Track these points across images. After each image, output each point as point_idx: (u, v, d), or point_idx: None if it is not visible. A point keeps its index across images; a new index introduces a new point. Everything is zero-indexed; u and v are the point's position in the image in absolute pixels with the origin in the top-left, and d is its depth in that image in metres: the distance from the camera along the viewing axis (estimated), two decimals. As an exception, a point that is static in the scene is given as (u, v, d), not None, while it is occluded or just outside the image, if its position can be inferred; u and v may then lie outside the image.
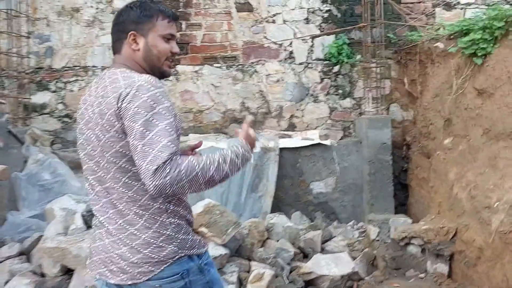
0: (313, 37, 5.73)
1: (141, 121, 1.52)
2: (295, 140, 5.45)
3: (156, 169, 1.47)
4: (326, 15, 5.74)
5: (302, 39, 5.72)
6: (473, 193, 3.91)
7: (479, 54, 4.20)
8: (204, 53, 5.71)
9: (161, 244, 1.62)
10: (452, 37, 4.76)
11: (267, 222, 4.42)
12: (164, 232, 1.64)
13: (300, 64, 5.72)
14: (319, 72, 5.71)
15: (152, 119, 1.53)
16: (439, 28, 5.08)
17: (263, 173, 5.35)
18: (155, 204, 1.64)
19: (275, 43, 5.71)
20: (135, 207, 1.62)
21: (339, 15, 5.74)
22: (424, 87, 5.20)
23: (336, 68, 5.71)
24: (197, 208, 3.77)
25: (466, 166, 4.18)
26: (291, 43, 5.73)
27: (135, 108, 1.53)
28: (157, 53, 1.77)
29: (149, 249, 1.60)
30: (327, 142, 5.39)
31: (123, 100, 1.55)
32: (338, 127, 5.72)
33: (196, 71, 5.70)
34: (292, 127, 5.74)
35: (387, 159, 5.17)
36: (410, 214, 5.30)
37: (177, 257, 1.63)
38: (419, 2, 5.78)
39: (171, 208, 1.68)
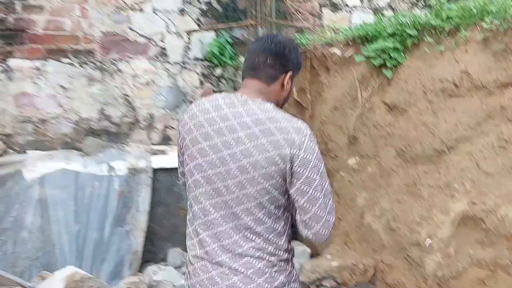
0: (190, 32, 4.77)
1: (319, 174, 1.65)
2: (173, 159, 4.44)
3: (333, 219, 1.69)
4: (205, 7, 4.83)
5: (177, 34, 4.71)
6: (393, 224, 3.41)
7: (389, 65, 3.72)
8: (48, 45, 4.34)
9: (274, 274, 1.70)
10: (350, 43, 4.25)
11: (149, 279, 3.36)
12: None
13: (176, 64, 4.71)
14: (199, 74, 4.78)
15: (323, 171, 1.70)
16: (335, 32, 4.54)
17: (131, 201, 4.24)
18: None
19: (143, 36, 4.61)
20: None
21: (220, 9, 4.87)
22: (318, 98, 4.63)
23: (218, 71, 4.84)
24: (53, 283, 2.56)
25: (378, 192, 3.69)
26: (163, 38, 4.68)
27: (314, 159, 1.65)
28: (287, 99, 1.87)
29: (263, 277, 1.68)
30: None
31: (299, 147, 1.62)
32: (220, 140, 4.87)
33: (37, 68, 4.30)
34: (166, 140, 4.72)
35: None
36: (302, 240, 4.72)
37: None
38: (306, 1, 5.21)
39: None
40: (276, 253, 1.70)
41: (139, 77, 4.60)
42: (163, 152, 4.57)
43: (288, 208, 1.73)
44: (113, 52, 4.55)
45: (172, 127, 4.70)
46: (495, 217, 2.77)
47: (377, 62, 3.77)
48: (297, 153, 1.61)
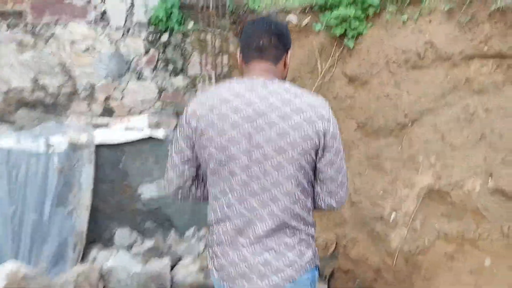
0: (133, -6, 4.36)
1: (341, 143, 1.75)
2: (117, 132, 4.10)
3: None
4: (149, -34, 4.42)
5: (119, -5, 4.29)
6: (355, 198, 3.34)
7: (350, 34, 3.59)
8: (-32, 3, 3.78)
9: (303, 249, 1.73)
10: (307, 10, 4.07)
11: (102, 267, 3.08)
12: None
13: (118, 29, 4.30)
14: (144, 40, 4.40)
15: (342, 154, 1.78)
16: (289, -2, 4.33)
17: (73, 178, 3.89)
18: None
19: (80, -3, 4.15)
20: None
21: (165, -32, 4.48)
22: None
23: (165, 37, 4.49)
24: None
25: (339, 165, 3.59)
26: (103, 0, 4.25)
27: (338, 130, 1.74)
28: (286, 76, 1.91)
29: (293, 252, 1.71)
30: (159, 133, 4.20)
31: (328, 121, 1.69)
32: (169, 111, 4.56)
33: (-44, 30, 3.75)
34: (109, 112, 4.34)
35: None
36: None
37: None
38: (256, -36, 4.92)
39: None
40: (306, 229, 1.74)
41: (77, 43, 4.15)
42: (105, 125, 4.21)
43: (313, 183, 1.76)
44: (47, 15, 4.07)
45: (115, 98, 4.33)
46: (461, 190, 2.76)
47: (337, 31, 3.62)
48: (327, 126, 1.67)
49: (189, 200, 1.90)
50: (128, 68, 4.36)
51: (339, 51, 3.69)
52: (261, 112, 1.65)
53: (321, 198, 1.76)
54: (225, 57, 4.67)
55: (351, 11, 3.54)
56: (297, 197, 1.68)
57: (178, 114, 4.59)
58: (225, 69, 4.67)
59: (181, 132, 1.78)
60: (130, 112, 4.41)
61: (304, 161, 1.65)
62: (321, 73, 3.76)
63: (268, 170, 1.64)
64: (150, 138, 4.16)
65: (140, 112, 4.45)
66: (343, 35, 3.62)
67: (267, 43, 1.75)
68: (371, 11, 3.54)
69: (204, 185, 1.85)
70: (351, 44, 3.59)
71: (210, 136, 1.67)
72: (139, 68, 4.40)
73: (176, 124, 4.42)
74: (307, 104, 1.67)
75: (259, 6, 4.62)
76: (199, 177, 1.85)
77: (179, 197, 1.86)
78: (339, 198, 1.76)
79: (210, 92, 1.74)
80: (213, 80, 4.37)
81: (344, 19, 3.59)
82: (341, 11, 3.59)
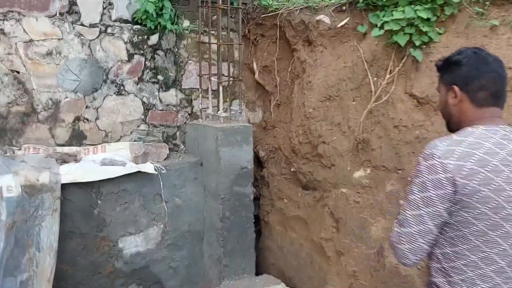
0: (111, -19, 3.27)
1: None
2: (91, 167, 3.00)
3: None
4: None
5: (93, -18, 3.19)
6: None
7: (418, 42, 2.66)
8: None
9: None
10: (346, 8, 3.12)
11: None
12: None
13: (92, 26, 3.20)
14: (126, 43, 3.32)
15: None
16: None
17: (28, 235, 2.76)
18: None
19: (40, -19, 3.02)
20: None
21: (155, -51, 3.41)
22: (296, 81, 3.46)
23: (153, 39, 3.42)
24: None
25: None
26: (72, -14, 3.14)
27: None
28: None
29: None
30: (148, 167, 3.13)
31: None
32: (157, 136, 3.49)
33: None
34: (79, 139, 3.23)
35: (247, 193, 3.28)
36: (272, 271, 3.60)
37: None
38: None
39: None
40: None
41: (36, 45, 3.02)
42: (75, 158, 3.10)
43: None
44: (-9, 3, 2.92)
45: (87, 119, 3.22)
46: None
47: (400, 38, 2.68)
48: None
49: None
50: (105, 79, 3.26)
51: (400, 64, 2.75)
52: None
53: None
54: (231, 66, 3.64)
55: (419, 12, 2.62)
56: None
57: (170, 140, 3.53)
58: (230, 82, 3.66)
59: (437, 192, 1.49)
60: (107, 138, 3.31)
61: None
62: (375, 92, 2.81)
63: None
64: (135, 174, 3.08)
65: (121, 138, 3.36)
66: (408, 43, 2.69)
67: (503, 88, 1.63)
68: (447, 11, 2.63)
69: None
70: (418, 55, 2.66)
71: (485, 196, 1.48)
72: (120, 80, 3.31)
73: (167, 154, 3.36)
74: None
75: (272, 2, 3.65)
76: None
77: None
78: None
79: (466, 142, 1.52)
80: (217, 96, 3.34)
81: (409, 22, 2.66)
82: (407, 11, 2.65)
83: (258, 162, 3.80)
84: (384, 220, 2.73)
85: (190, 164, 3.31)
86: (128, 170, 3.03)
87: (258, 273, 3.52)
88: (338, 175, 2.97)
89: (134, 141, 3.39)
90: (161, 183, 3.19)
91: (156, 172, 3.11)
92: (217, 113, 3.32)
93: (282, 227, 3.54)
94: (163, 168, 3.18)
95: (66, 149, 3.15)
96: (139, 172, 3.07)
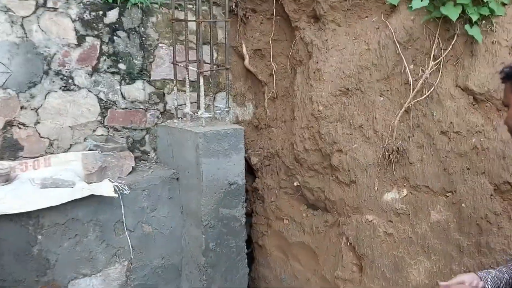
0: None
1: None
2: (28, 190, 2.20)
3: None
4: None
5: None
6: None
7: (475, 17, 1.90)
8: None
9: None
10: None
11: None
12: None
13: (25, -2, 2.37)
14: (74, 21, 2.49)
15: None
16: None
17: None
18: None
19: None
20: None
21: None
22: (298, 68, 2.68)
23: (112, 15, 2.60)
24: None
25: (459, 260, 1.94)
26: None
27: None
28: None
29: None
30: (107, 189, 2.34)
31: None
32: (120, 142, 2.69)
33: None
34: (12, 150, 2.41)
35: (238, 216, 2.53)
36: None
37: None
38: None
39: None
40: None
41: None
42: (7, 175, 2.29)
43: None
44: None
45: (23, 124, 2.41)
46: None
47: (451, 11, 1.92)
48: None
49: None
50: (47, 71, 2.44)
51: (449, 46, 1.99)
52: None
53: None
54: (214, 51, 2.84)
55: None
56: None
57: (136, 146, 2.75)
58: (214, 71, 2.86)
59: None
60: (52, 148, 2.50)
61: None
62: (413, 85, 2.05)
63: None
64: (89, 197, 2.30)
65: (71, 147, 2.56)
66: (460, 17, 1.92)
67: None
68: (515, -29, 1.88)
69: None
70: (476, 34, 1.91)
71: None
72: (67, 70, 2.50)
73: (132, 167, 2.58)
74: None
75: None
76: None
77: None
78: None
79: None
80: (197, 89, 2.54)
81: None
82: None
83: (249, 169, 3.04)
84: (428, 261, 2.00)
85: (162, 179, 2.53)
86: (78, 195, 2.24)
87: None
88: (361, 196, 2.23)
89: (89, 150, 2.59)
90: (123, 208, 2.40)
91: (116, 195, 2.32)
92: (197, 112, 2.53)
93: (282, 254, 2.80)
94: (126, 188, 2.39)
95: (-6, 165, 2.34)
96: (93, 196, 2.29)
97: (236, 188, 2.49)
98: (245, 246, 2.59)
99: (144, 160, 2.79)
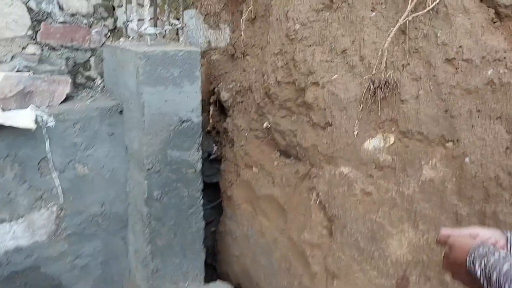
0: None
1: None
2: None
3: None
4: None
5: None
6: None
7: None
8: None
9: None
10: None
11: None
12: None
13: None
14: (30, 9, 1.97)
15: None
16: None
17: None
18: None
19: None
20: None
21: None
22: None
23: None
24: None
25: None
26: None
27: None
28: None
29: None
30: (24, 118, 1.89)
31: None
32: (58, 64, 2.21)
33: None
34: None
35: (192, 161, 2.06)
36: (234, 267, 2.49)
37: None
38: None
39: None
40: None
41: None
42: None
43: None
44: None
45: None
46: None
47: None
48: None
49: None
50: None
51: None
52: None
53: None
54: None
55: None
56: None
57: (79, 71, 2.27)
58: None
59: None
60: (-35, 66, 2.05)
61: None
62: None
63: None
64: (5, 128, 1.86)
65: (-7, 66, 2.10)
66: None
67: None
68: None
69: None
70: None
71: None
72: (-18, -32, 1.99)
73: (69, 94, 2.11)
74: None
75: None
76: None
77: None
78: None
79: None
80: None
81: None
82: None
83: (221, 108, 2.55)
84: (414, 230, 1.51)
85: (100, 111, 2.06)
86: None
87: (211, 274, 2.41)
88: (336, 142, 1.72)
89: (18, 71, 2.12)
90: (47, 143, 1.96)
91: (33, 126, 1.87)
92: (142, 27, 2.01)
93: (250, 207, 2.35)
94: (49, 119, 1.94)
95: None
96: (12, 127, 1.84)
97: (189, 126, 2.01)
98: (201, 197, 2.14)
99: (89, 88, 2.32)
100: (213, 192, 2.64)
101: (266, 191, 2.19)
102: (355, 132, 1.65)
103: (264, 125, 2.14)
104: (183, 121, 2.00)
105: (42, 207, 2.04)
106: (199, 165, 2.09)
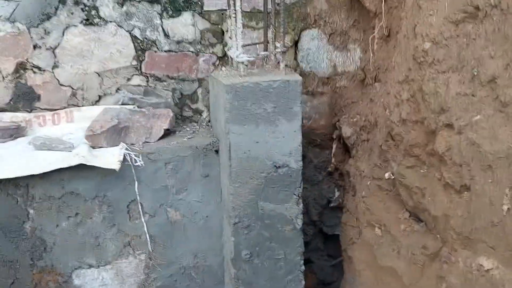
0: None
1: None
2: (19, 151, 1.75)
3: None
4: None
5: None
6: None
7: None
8: None
9: None
10: None
11: None
12: None
13: None
14: None
15: None
16: None
17: None
18: None
19: None
20: None
21: None
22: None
23: None
24: None
25: None
26: None
27: None
28: None
29: None
30: (108, 158, 1.73)
31: None
32: (164, 97, 2.04)
33: None
34: (25, 98, 1.98)
35: (290, 216, 1.66)
36: None
37: None
38: None
39: None
40: None
41: None
42: (21, 129, 1.87)
43: None
44: None
45: (38, 68, 1.94)
46: None
47: None
48: None
49: None
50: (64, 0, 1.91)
51: None
52: None
53: None
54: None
55: None
56: None
57: (186, 103, 2.07)
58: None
59: None
60: (77, 100, 2.00)
61: None
62: None
63: None
64: (90, 167, 1.73)
65: (100, 99, 2.03)
66: None
67: None
68: None
69: None
70: None
71: None
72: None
73: (168, 130, 1.90)
74: None
75: None
76: None
77: None
78: None
79: None
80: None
81: None
82: None
83: (344, 146, 2.08)
84: None
85: (194, 151, 1.80)
86: (65, 163, 1.68)
87: None
88: (476, 216, 1.14)
89: (122, 104, 2.01)
90: (136, 184, 1.77)
91: (117, 167, 1.69)
92: (235, 54, 1.69)
93: (372, 276, 1.83)
94: (137, 158, 1.74)
95: (7, 117, 1.95)
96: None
97: (285, 173, 1.62)
98: (302, 261, 1.71)
99: (195, 122, 2.10)
100: (334, 246, 2.18)
101: (389, 262, 1.66)
102: (505, 207, 1.05)
103: (386, 175, 1.62)
104: (278, 167, 1.61)
105: (129, 254, 1.87)
106: (299, 222, 1.67)
